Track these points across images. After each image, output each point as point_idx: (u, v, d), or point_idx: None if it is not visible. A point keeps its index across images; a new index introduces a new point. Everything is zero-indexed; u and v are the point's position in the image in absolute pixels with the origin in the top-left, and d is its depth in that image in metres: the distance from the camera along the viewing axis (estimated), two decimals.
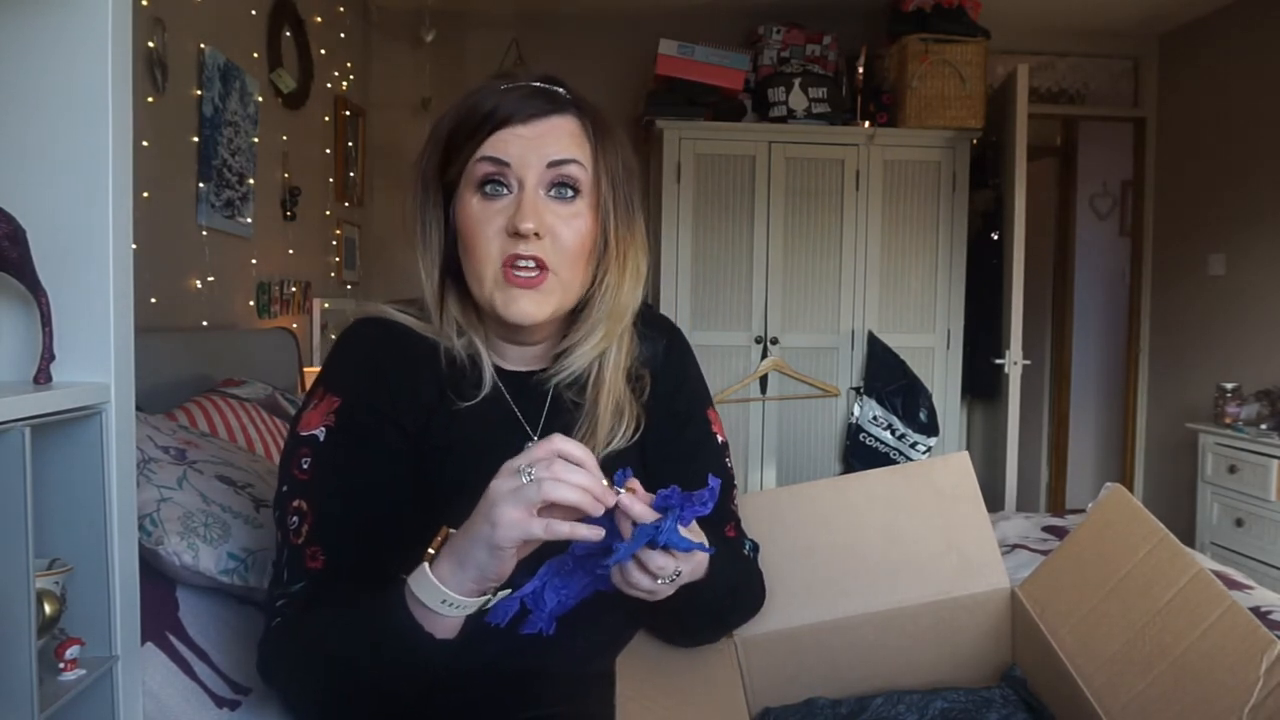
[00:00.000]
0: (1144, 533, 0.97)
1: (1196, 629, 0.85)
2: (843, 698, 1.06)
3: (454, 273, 0.93)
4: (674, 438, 1.01)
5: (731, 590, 0.95)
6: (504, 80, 0.91)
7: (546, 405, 0.97)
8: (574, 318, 0.96)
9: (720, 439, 1.04)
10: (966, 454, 1.18)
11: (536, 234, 0.85)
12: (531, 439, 0.95)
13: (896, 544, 1.10)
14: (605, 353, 0.95)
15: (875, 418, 3.59)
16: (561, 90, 0.91)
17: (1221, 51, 3.83)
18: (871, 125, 3.62)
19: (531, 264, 0.86)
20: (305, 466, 0.89)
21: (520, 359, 0.98)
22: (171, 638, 1.11)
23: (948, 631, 1.09)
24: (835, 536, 1.10)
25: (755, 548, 1.03)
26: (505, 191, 0.87)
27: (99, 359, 0.90)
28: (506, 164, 0.86)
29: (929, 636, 1.08)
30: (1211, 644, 0.83)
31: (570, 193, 0.88)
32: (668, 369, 1.03)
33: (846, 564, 1.09)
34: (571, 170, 0.88)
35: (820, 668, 1.06)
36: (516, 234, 0.85)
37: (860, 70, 3.70)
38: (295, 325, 3.00)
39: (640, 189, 0.97)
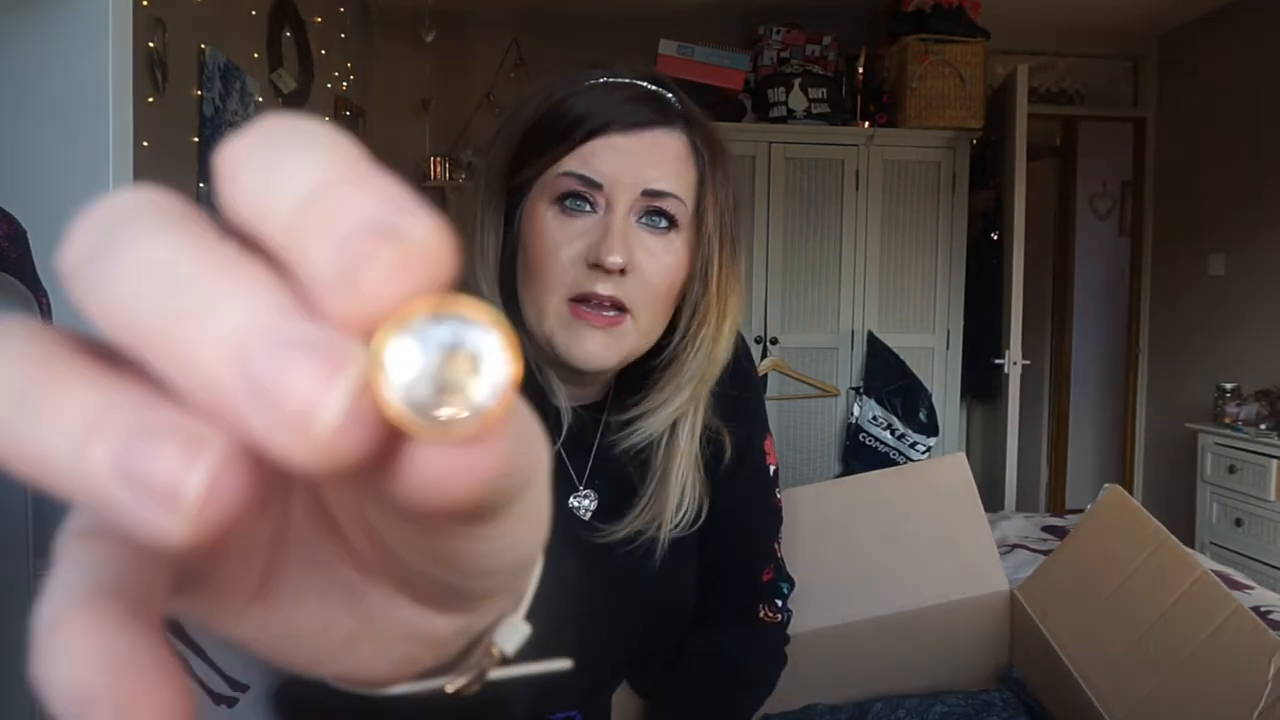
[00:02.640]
0: (1145, 534, 0.97)
1: (1203, 632, 0.84)
2: (841, 703, 1.06)
3: (510, 293, 0.76)
4: (729, 481, 0.85)
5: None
6: (598, 71, 0.76)
7: (592, 454, 0.81)
8: (645, 368, 0.78)
9: (773, 468, 0.91)
10: (963, 454, 1.17)
11: (622, 270, 0.70)
12: (577, 489, 0.80)
13: (895, 547, 1.10)
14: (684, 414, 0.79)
15: (875, 418, 3.58)
16: (670, 97, 0.76)
17: (1221, 51, 3.83)
18: (871, 125, 3.62)
19: (608, 304, 0.70)
20: None
21: (565, 395, 0.81)
22: (169, 635, 1.11)
23: (946, 635, 1.09)
24: (833, 540, 1.10)
25: (791, 587, 0.94)
26: (588, 209, 0.71)
27: None
28: (598, 185, 0.71)
29: (928, 640, 1.08)
30: (1219, 647, 0.83)
31: (664, 223, 0.73)
32: (728, 399, 0.84)
33: (844, 568, 1.09)
34: (669, 205, 0.73)
35: (818, 673, 1.06)
36: (597, 266, 0.69)
37: (860, 70, 3.70)
38: None
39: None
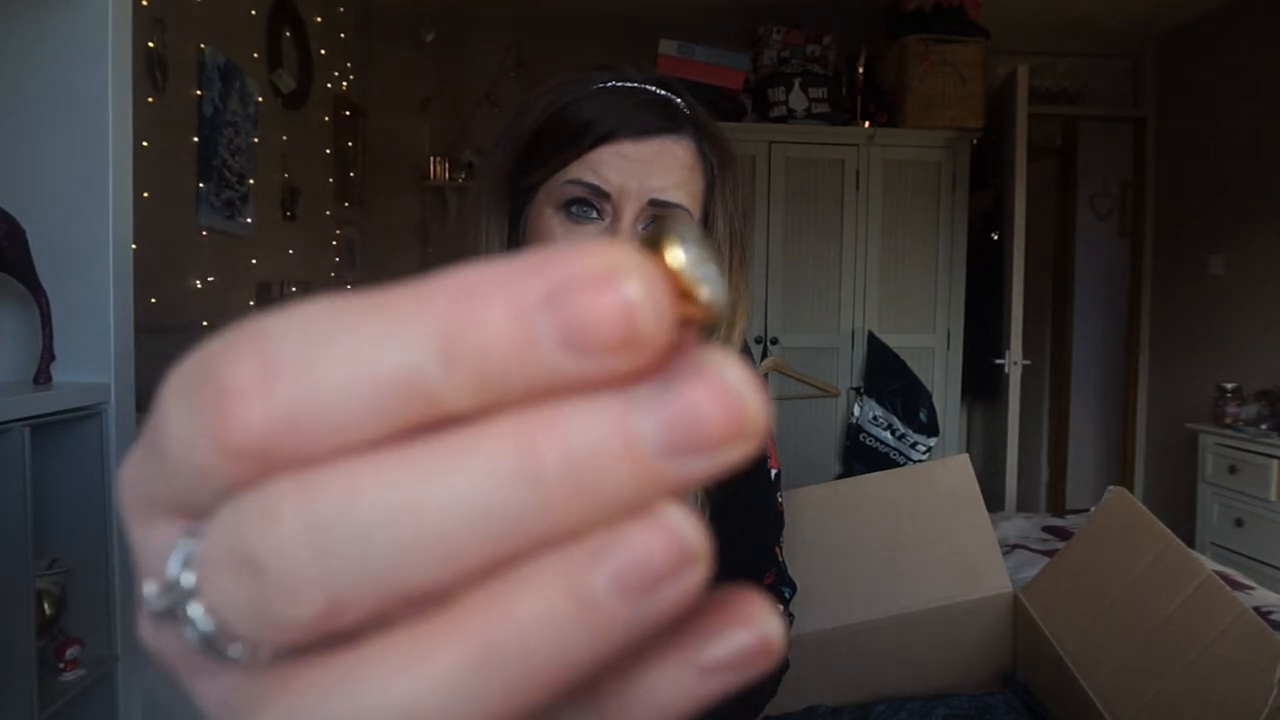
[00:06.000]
0: (1150, 537, 0.96)
1: (1208, 636, 0.84)
2: (844, 705, 1.06)
3: None
4: (729, 485, 0.86)
5: None
6: (606, 74, 0.75)
7: None
8: None
9: (774, 471, 0.91)
10: (966, 456, 1.17)
11: None
12: None
13: (898, 549, 1.10)
14: None
15: (875, 418, 3.58)
16: (679, 102, 0.75)
17: (1221, 51, 3.83)
18: (871, 125, 3.62)
19: None
20: None
21: None
22: None
23: (949, 636, 1.08)
24: (836, 541, 1.10)
25: (793, 591, 0.94)
26: (595, 217, 0.72)
27: (99, 359, 0.90)
28: (606, 194, 0.71)
29: (931, 642, 1.08)
30: (1224, 651, 0.82)
31: None
32: None
33: (848, 570, 1.08)
34: (675, 215, 0.72)
35: (821, 675, 1.06)
36: None
37: (860, 70, 3.70)
38: None
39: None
